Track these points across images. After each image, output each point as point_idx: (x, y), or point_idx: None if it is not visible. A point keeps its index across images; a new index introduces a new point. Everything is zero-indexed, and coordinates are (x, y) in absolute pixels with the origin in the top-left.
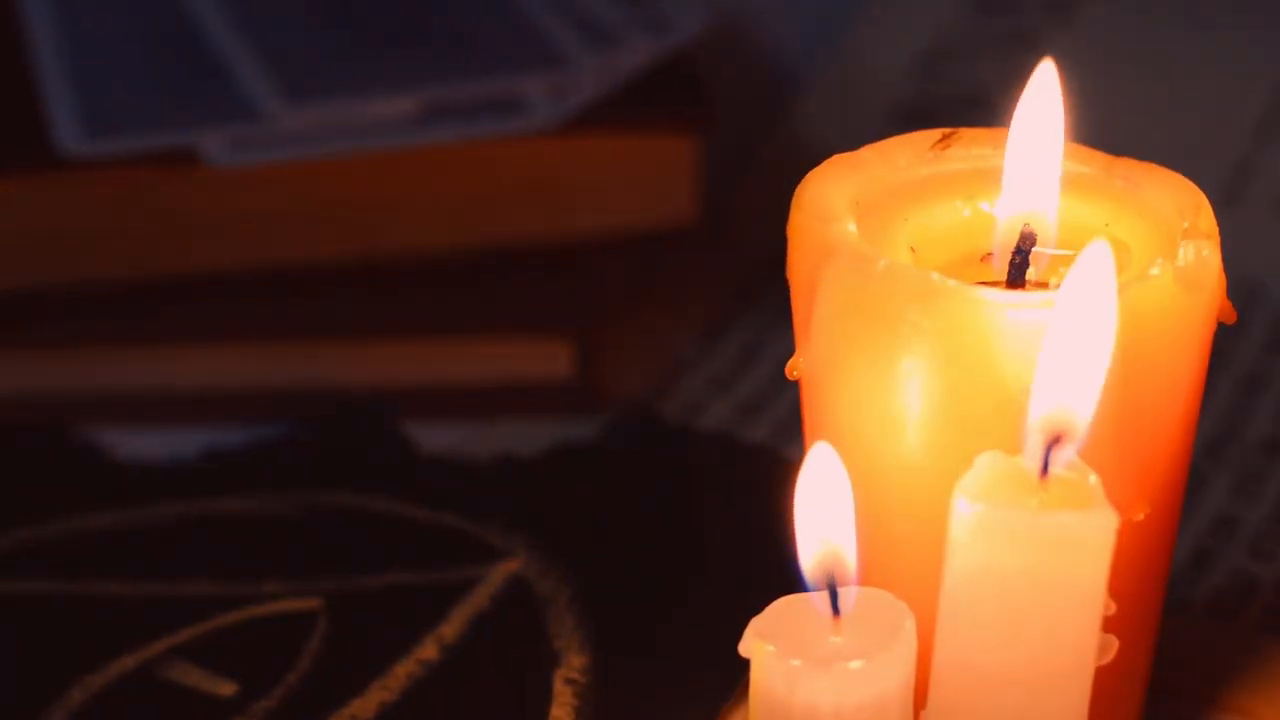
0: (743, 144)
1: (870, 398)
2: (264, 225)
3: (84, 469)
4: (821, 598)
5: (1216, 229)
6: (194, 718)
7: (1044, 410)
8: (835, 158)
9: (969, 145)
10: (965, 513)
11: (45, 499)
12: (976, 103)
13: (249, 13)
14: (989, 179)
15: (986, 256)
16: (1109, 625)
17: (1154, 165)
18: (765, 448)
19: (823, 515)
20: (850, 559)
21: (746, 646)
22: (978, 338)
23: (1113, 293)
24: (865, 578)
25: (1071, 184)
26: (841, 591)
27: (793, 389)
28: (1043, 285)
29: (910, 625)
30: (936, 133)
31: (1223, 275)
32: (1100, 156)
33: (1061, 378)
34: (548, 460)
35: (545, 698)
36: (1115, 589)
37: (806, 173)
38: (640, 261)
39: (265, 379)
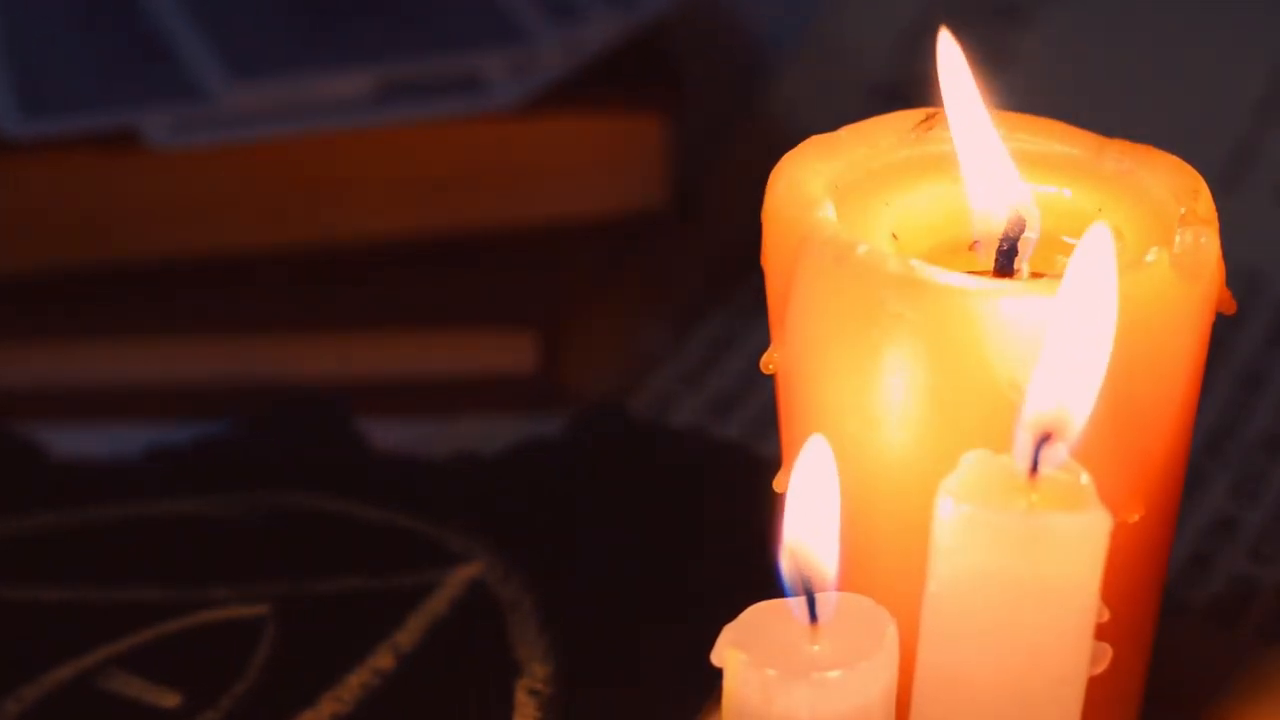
0: (715, 125)
1: (850, 393)
2: (209, 210)
3: (18, 468)
4: (799, 604)
5: (1215, 214)
6: None
7: (1040, 407)
8: (813, 139)
9: None
10: (950, 514)
11: None
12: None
13: None
14: None
15: (973, 244)
16: (1102, 633)
17: (1149, 147)
18: (739, 445)
19: (806, 516)
20: (830, 563)
21: (719, 655)
22: (963, 329)
23: (1114, 281)
24: (845, 582)
25: (1062, 167)
26: (820, 597)
27: (768, 384)
28: (1038, 274)
29: (892, 633)
30: (919, 113)
31: (1221, 263)
32: (1092, 138)
33: (1060, 373)
34: (510, 459)
35: (507, 709)
36: (1109, 594)
37: (782, 155)
38: (608, 249)
39: (210, 373)
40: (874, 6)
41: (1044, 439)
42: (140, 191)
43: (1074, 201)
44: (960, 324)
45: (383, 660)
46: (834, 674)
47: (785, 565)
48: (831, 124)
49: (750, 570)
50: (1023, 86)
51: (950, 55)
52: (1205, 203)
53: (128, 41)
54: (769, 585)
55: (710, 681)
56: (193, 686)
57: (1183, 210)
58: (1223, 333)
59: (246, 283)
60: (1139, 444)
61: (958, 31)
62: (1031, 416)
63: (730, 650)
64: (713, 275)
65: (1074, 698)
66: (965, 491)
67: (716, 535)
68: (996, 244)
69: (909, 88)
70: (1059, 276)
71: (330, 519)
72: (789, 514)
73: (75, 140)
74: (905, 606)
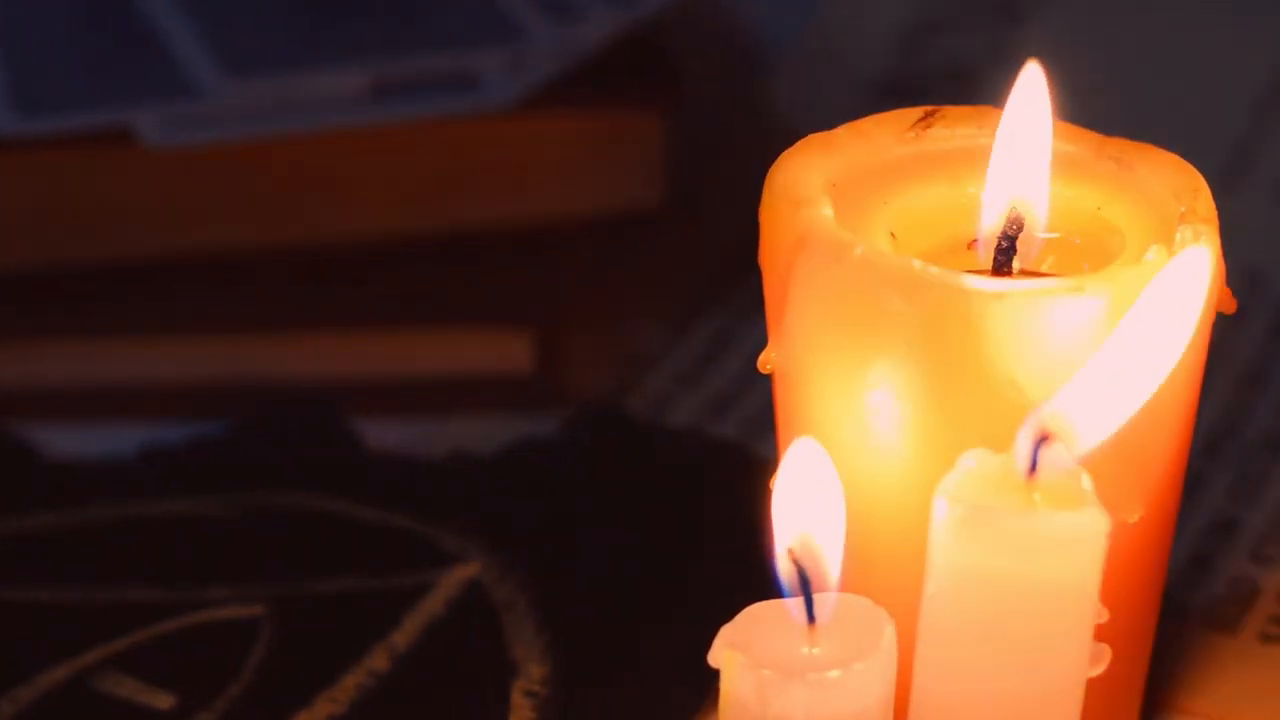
0: (713, 122)
1: (847, 392)
2: (203, 209)
3: (12, 468)
4: (796, 604)
5: (1215, 213)
6: None
7: (1060, 411)
8: (810, 137)
9: (952, 124)
10: (948, 514)
11: None
12: (960, 78)
13: None
14: (973, 160)
15: (972, 243)
16: (1101, 634)
17: (1149, 145)
18: (736, 445)
19: (804, 515)
20: (831, 563)
21: (716, 656)
22: (962, 328)
23: (1195, 317)
24: (843, 583)
25: (1061, 165)
26: (817, 598)
27: (765, 383)
28: (1033, 273)
29: (890, 633)
30: (918, 111)
31: (1222, 262)
32: (1092, 136)
33: (1099, 386)
34: (505, 459)
35: (503, 710)
36: (1108, 595)
37: (780, 153)
38: (604, 248)
39: (206, 372)
40: (872, 4)
41: (1043, 439)
42: (134, 190)
43: (1073, 199)
44: (959, 323)
45: (378, 661)
46: (831, 675)
47: (783, 566)
48: (829, 122)
49: (748, 570)
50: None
51: (1034, 85)
52: (1205, 201)
53: (122, 39)
54: (767, 585)
55: (707, 682)
56: (188, 687)
57: (1183, 209)
58: (1223, 332)
59: (241, 282)
60: (1139, 444)
61: (956, 29)
62: (1044, 417)
63: (727, 651)
64: (710, 274)
65: (1073, 699)
66: (964, 491)
67: (714, 535)
68: (995, 242)
69: (908, 85)
70: (1054, 275)
71: (326, 519)
72: (778, 516)
73: (69, 138)
74: (904, 607)
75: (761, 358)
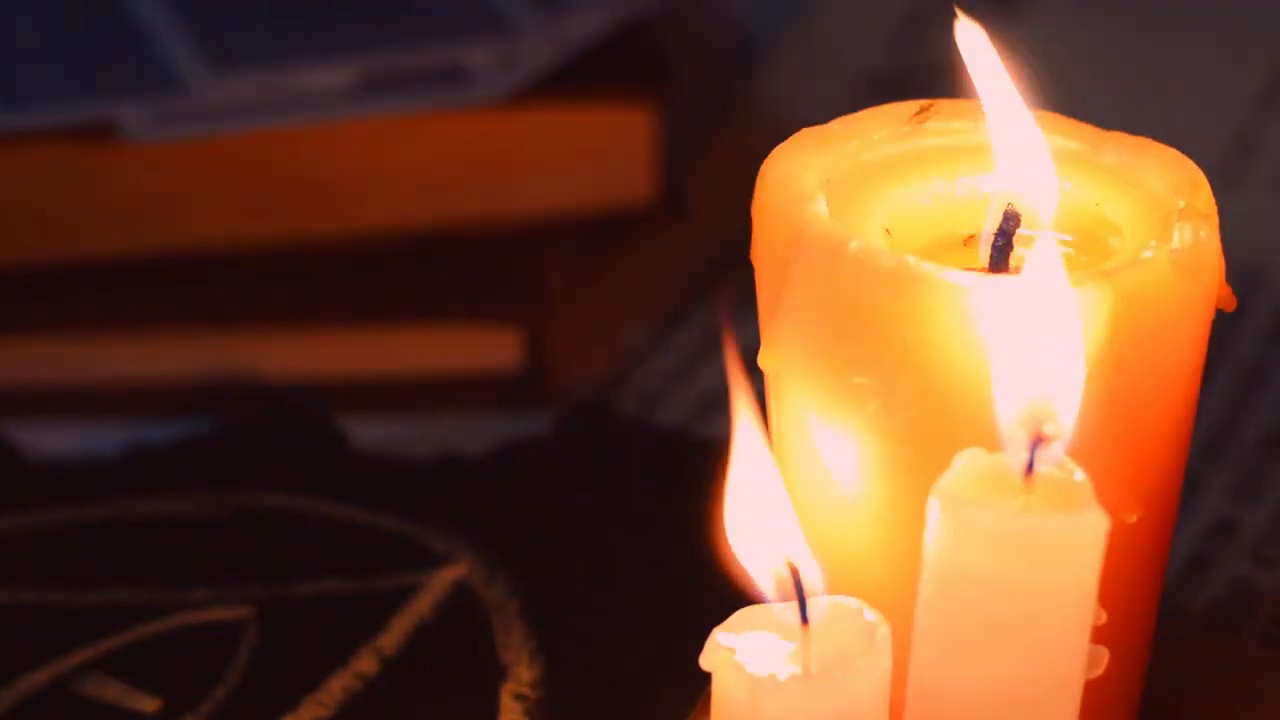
0: (704, 117)
1: (841, 389)
2: (188, 205)
3: None
4: (789, 606)
5: (1215, 209)
6: None
7: (1019, 405)
8: (804, 132)
9: (948, 118)
10: (944, 514)
11: None
12: (957, 72)
13: None
14: (970, 155)
15: (969, 239)
16: (1099, 636)
17: (1147, 140)
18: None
19: (768, 522)
20: (810, 565)
21: (709, 658)
22: (957, 326)
23: (1065, 282)
24: (837, 585)
25: (1059, 161)
26: (810, 600)
27: (757, 381)
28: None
29: (883, 634)
30: (913, 105)
31: (1221, 259)
32: (1089, 131)
33: (1030, 370)
34: (493, 458)
35: (492, 714)
36: (1106, 597)
37: (773, 148)
38: (594, 244)
39: (189, 370)
40: None
41: (1039, 439)
42: (118, 185)
43: (1072, 195)
44: (955, 321)
45: (365, 664)
46: (823, 676)
47: (770, 569)
48: (823, 116)
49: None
50: (1019, 79)
51: (973, 42)
52: (1205, 197)
53: (106, 34)
54: (759, 588)
55: (699, 685)
56: (173, 690)
57: (1182, 204)
58: (1223, 330)
59: (226, 279)
60: (1137, 443)
61: (952, 22)
62: (1022, 414)
63: (720, 653)
64: (701, 271)
65: (1070, 702)
66: (958, 491)
67: (704, 536)
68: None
69: (903, 78)
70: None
71: (312, 520)
72: (739, 524)
73: (51, 133)
74: (898, 610)
75: (760, 356)
